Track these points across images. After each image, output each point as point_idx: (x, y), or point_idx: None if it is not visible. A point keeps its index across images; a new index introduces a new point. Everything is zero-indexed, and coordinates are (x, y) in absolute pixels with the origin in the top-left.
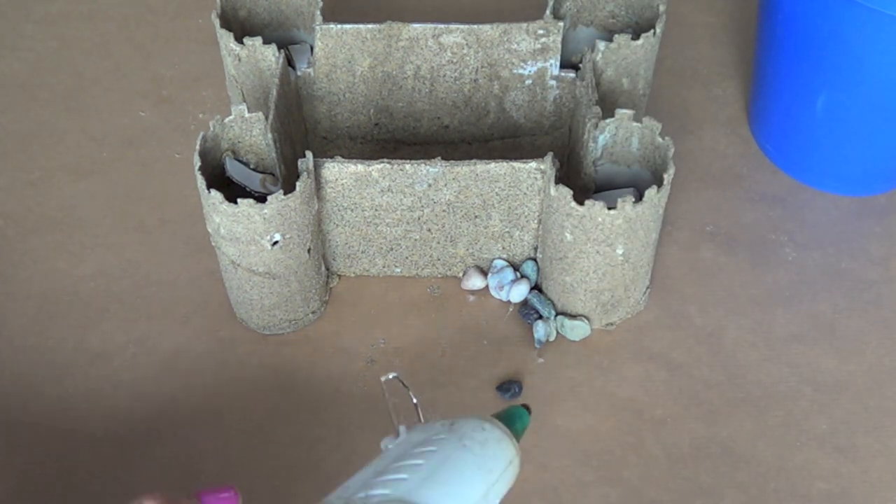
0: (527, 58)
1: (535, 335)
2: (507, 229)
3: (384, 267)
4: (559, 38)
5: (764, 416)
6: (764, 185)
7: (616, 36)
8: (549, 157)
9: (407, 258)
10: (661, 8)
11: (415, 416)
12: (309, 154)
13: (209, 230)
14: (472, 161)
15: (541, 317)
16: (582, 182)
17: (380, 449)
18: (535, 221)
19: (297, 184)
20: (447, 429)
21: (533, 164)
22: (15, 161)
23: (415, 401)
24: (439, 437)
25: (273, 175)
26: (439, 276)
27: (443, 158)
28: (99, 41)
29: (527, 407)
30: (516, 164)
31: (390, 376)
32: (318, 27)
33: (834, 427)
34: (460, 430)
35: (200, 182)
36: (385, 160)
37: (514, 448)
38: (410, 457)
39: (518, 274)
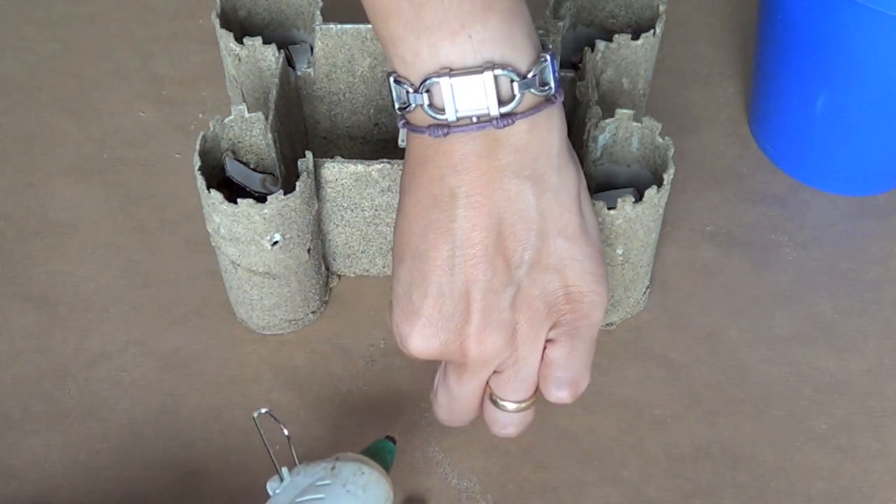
0: None
1: None
2: None
3: (384, 267)
4: (559, 38)
5: (764, 416)
6: (764, 185)
7: (616, 36)
8: None
9: None
10: (661, 8)
11: (291, 454)
12: (309, 154)
13: (209, 230)
14: None
15: None
16: None
17: (266, 492)
18: None
19: (297, 184)
20: (329, 473)
21: None
22: (15, 162)
23: (286, 433)
24: (324, 483)
25: (273, 175)
26: None
27: None
28: (99, 42)
29: (391, 438)
30: None
31: (262, 411)
32: (318, 27)
33: (834, 427)
34: (342, 474)
35: (200, 182)
36: (385, 160)
37: (389, 486)
38: None
39: None
